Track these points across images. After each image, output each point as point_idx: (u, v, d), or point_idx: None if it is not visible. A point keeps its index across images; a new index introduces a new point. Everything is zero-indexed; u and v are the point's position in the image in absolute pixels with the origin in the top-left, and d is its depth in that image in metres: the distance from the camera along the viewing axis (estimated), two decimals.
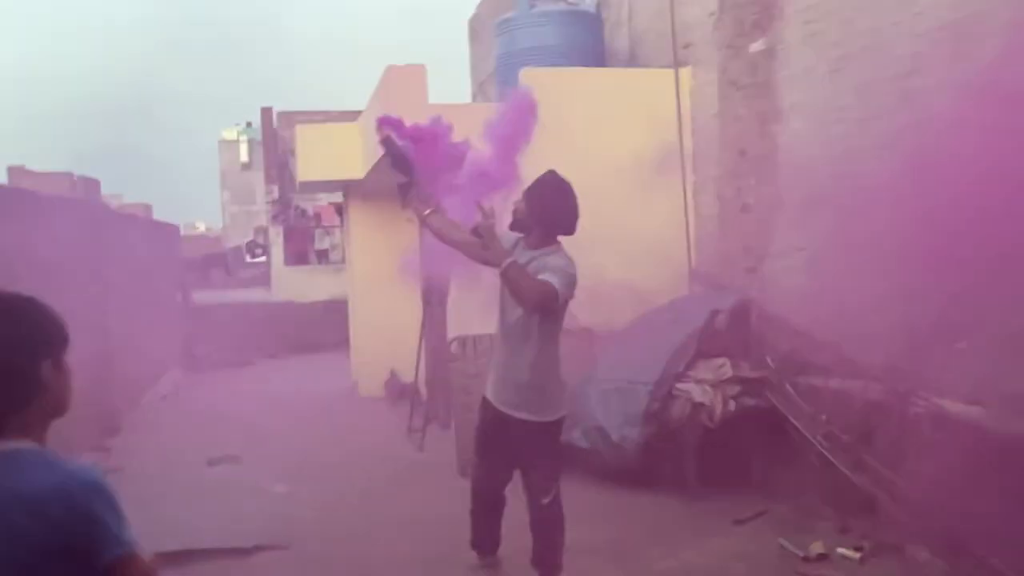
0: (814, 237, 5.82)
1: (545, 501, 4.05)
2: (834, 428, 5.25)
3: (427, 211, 4.17)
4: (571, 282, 3.83)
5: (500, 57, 8.28)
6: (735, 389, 5.98)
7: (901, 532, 4.63)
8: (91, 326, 8.55)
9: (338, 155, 9.88)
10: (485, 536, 4.39)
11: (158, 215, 40.68)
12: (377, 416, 9.48)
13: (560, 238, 4.01)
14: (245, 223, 45.19)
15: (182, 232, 50.78)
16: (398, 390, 10.13)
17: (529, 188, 3.97)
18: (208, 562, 5.07)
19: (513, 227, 4.02)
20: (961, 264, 4.55)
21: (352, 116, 10.94)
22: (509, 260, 3.70)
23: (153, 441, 8.68)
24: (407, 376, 9.42)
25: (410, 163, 4.23)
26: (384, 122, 4.31)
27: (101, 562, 1.63)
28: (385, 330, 10.27)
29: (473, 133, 7.35)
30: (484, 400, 4.18)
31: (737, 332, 6.55)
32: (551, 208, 3.92)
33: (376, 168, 8.98)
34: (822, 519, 5.25)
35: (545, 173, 3.98)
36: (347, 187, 11.24)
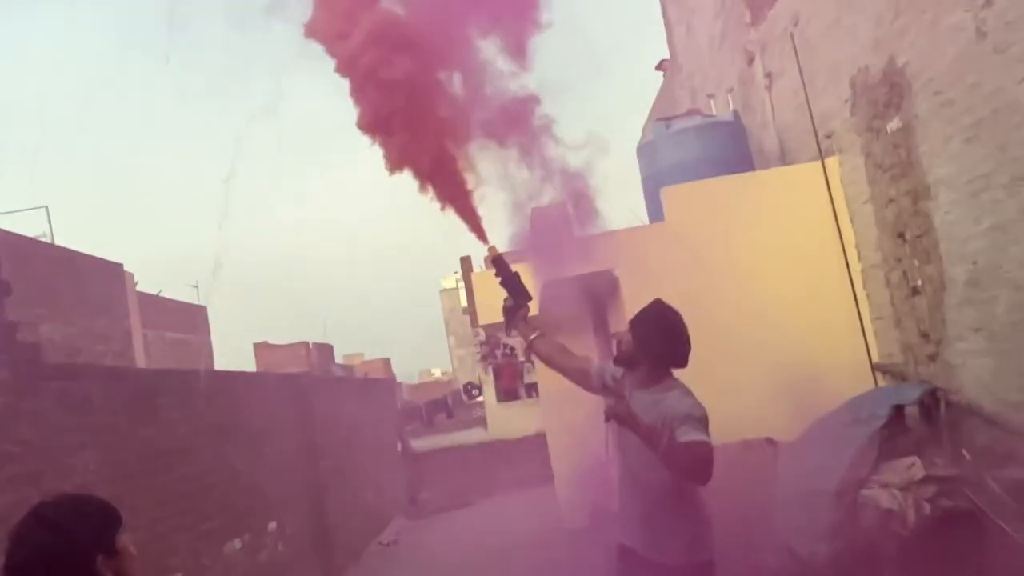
0: (988, 315, 5.36)
1: None
2: None
3: (534, 335, 4.10)
4: (707, 422, 3.37)
5: (644, 181, 8.44)
6: (930, 490, 5.46)
7: None
8: (304, 487, 9.28)
9: None
10: None
11: (396, 367, 43.53)
12: (581, 547, 9.39)
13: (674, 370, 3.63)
14: (472, 366, 47.30)
15: (417, 380, 53.54)
16: (602, 517, 10.02)
17: (635, 319, 3.70)
18: None
19: (618, 361, 3.79)
20: None
21: None
22: (666, 441, 3.23)
23: None
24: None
25: (520, 286, 4.19)
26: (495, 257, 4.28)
27: None
28: (581, 457, 10.29)
29: (623, 256, 7.52)
30: (621, 550, 3.64)
31: (927, 427, 6.05)
32: (661, 341, 3.57)
33: (548, 303, 9.30)
34: None
35: (652, 302, 3.71)
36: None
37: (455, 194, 4.27)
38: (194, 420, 6.70)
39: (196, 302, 24.82)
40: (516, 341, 23.19)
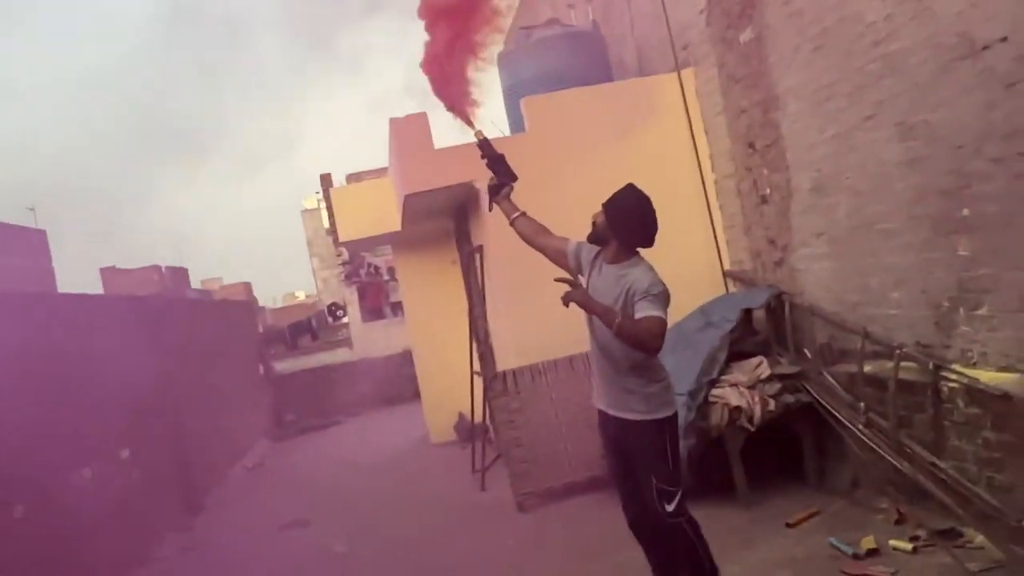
0: (830, 220, 5.62)
1: (670, 507, 3.81)
2: (873, 415, 5.00)
3: (516, 214, 4.29)
4: (667, 299, 3.75)
5: (505, 91, 8.31)
6: (775, 387, 5.78)
7: (953, 517, 4.37)
8: (160, 413, 8.92)
9: (373, 212, 10.08)
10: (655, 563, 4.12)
11: (259, 290, 42.25)
12: (446, 461, 9.53)
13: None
14: (336, 286, 46.55)
15: (281, 303, 52.23)
16: (467, 432, 10.17)
17: (608, 201, 3.93)
18: None
19: (591, 239, 4.01)
20: (964, 226, 4.33)
21: None
22: (618, 320, 3.61)
23: (233, 514, 8.95)
24: (477, 416, 9.47)
25: (506, 167, 4.32)
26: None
27: None
28: (448, 373, 10.36)
29: (482, 168, 7.44)
30: (600, 414, 4.09)
31: (773, 328, 6.37)
32: (630, 222, 3.86)
33: (410, 219, 9.14)
34: (877, 512, 5.01)
35: (624, 187, 3.95)
36: (393, 241, 11.45)
37: (459, 73, 4.51)
38: (30, 345, 6.26)
39: (34, 226, 23.14)
40: (379, 260, 22.96)
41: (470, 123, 4.50)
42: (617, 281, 3.81)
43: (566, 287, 3.73)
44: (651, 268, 3.85)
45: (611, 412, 3.98)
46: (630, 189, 3.93)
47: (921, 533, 4.50)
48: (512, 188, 4.35)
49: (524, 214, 4.31)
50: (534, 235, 4.27)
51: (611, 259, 3.92)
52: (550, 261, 4.27)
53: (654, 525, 3.95)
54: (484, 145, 4.34)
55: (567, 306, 3.72)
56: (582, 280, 3.99)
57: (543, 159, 7.19)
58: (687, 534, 3.91)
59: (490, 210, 4.49)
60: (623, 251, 3.89)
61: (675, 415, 3.97)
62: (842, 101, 5.19)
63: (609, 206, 3.91)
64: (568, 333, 7.28)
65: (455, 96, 4.49)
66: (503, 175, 4.32)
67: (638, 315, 3.64)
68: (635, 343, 3.64)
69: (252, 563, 6.73)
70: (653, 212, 3.89)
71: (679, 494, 3.86)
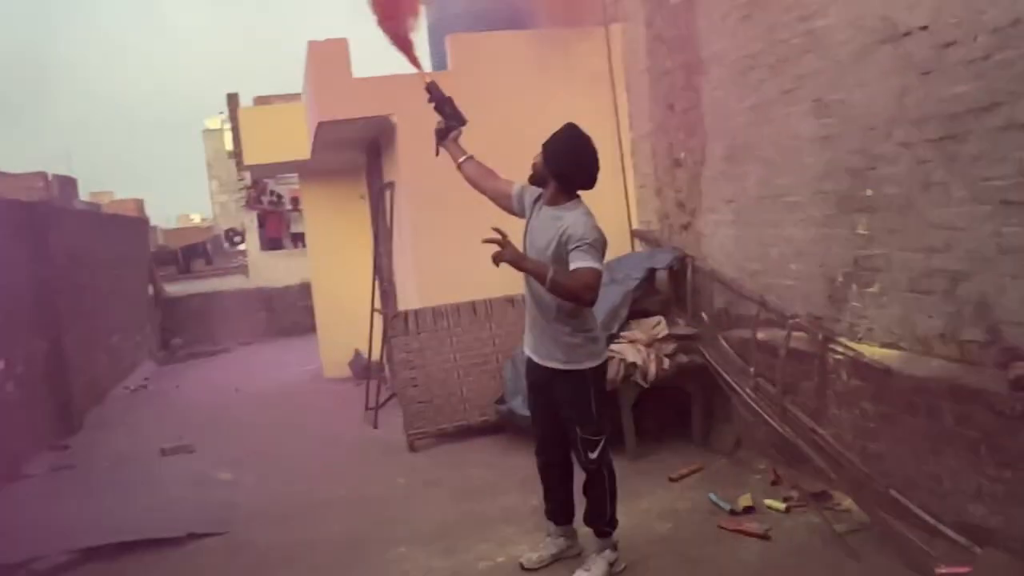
0: (739, 189, 5.74)
1: (593, 455, 3.93)
2: (761, 380, 5.19)
3: (463, 157, 4.24)
4: (603, 246, 3.76)
5: (430, 27, 8.11)
6: (670, 347, 5.93)
7: (826, 481, 4.60)
8: (39, 326, 8.50)
9: (282, 137, 9.76)
10: (555, 506, 4.27)
11: (152, 210, 40.52)
12: (339, 397, 9.44)
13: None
14: (235, 212, 45.11)
15: (176, 224, 50.36)
16: (362, 369, 10.09)
17: (546, 142, 3.86)
18: (143, 552, 5.04)
19: (531, 180, 3.96)
20: (866, 205, 4.49)
21: None
22: (551, 274, 3.60)
23: (113, 435, 8.66)
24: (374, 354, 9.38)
25: (455, 110, 4.24)
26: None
27: None
28: (347, 309, 10.23)
29: (401, 103, 7.28)
30: (528, 361, 4.10)
31: (675, 290, 6.51)
32: (568, 162, 3.82)
33: (321, 148, 8.88)
34: (756, 472, 5.24)
35: (563, 126, 3.88)
36: (301, 169, 11.13)
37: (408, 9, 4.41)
38: None
39: None
40: (283, 189, 22.31)
41: (417, 63, 4.41)
42: (552, 223, 3.79)
43: (494, 247, 3.65)
44: (588, 213, 3.84)
45: (538, 360, 3.99)
46: (569, 128, 3.88)
47: (795, 494, 4.72)
48: (460, 131, 4.29)
49: (471, 157, 4.27)
50: (480, 178, 4.23)
51: (549, 200, 3.89)
52: (496, 205, 4.24)
53: (563, 465, 4.11)
54: (432, 88, 4.27)
55: (497, 265, 3.66)
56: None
57: (463, 99, 7.00)
58: (604, 481, 4.03)
59: (436, 154, 4.39)
60: (561, 193, 3.86)
61: (602, 365, 4.02)
62: (763, 72, 5.27)
63: (547, 146, 3.87)
64: (473, 278, 7.26)
65: (401, 33, 4.37)
66: (451, 118, 4.27)
67: (572, 265, 3.62)
68: (569, 297, 3.67)
69: (130, 486, 6.53)
70: (594, 153, 3.87)
71: (602, 442, 3.95)
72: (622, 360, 5.78)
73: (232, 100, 21.69)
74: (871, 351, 4.45)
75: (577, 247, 3.65)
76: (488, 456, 6.27)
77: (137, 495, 6.24)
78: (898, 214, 4.27)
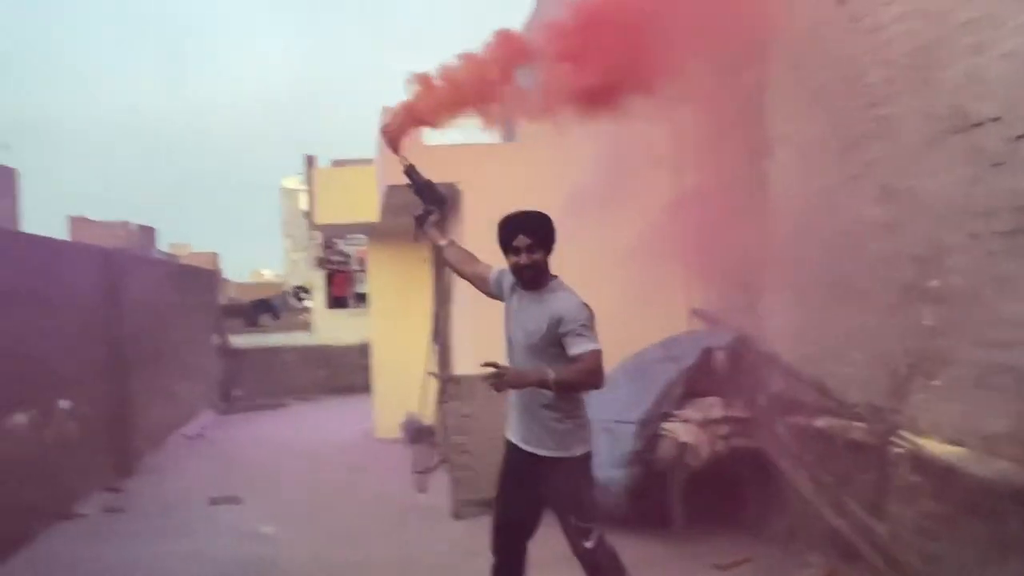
0: (802, 272, 5.65)
1: (588, 544, 3.71)
2: (817, 470, 5.02)
3: (444, 242, 4.26)
4: (593, 319, 3.65)
5: None
6: (725, 429, 5.80)
7: None
8: (106, 368, 8.74)
9: (354, 198, 10.02)
10: None
11: (227, 264, 41.90)
12: (389, 458, 9.44)
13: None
14: (305, 269, 46.20)
15: (248, 279, 51.88)
16: (414, 432, 10.09)
17: (533, 231, 3.78)
18: None
19: (530, 276, 3.82)
20: (932, 296, 4.37)
21: None
22: (554, 377, 3.49)
23: (166, 481, 8.78)
24: (427, 418, 9.40)
25: (434, 193, 4.28)
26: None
27: None
28: (403, 371, 10.29)
29: (468, 172, 7.44)
30: (507, 443, 3.95)
31: (733, 371, 6.38)
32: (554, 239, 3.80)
33: (390, 211, 9.08)
34: (809, 566, 5.03)
35: (526, 213, 3.84)
36: (369, 231, 11.38)
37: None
38: None
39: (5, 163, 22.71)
40: (351, 249, 22.80)
41: (397, 151, 4.44)
42: (540, 307, 3.72)
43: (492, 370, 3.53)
44: (572, 293, 3.76)
45: (526, 447, 3.83)
46: (535, 212, 3.84)
47: None
48: (440, 215, 4.30)
49: (452, 242, 4.30)
50: (460, 262, 4.24)
51: (529, 285, 3.81)
52: (474, 287, 4.21)
53: (582, 563, 3.79)
54: (411, 172, 4.30)
55: (499, 391, 3.59)
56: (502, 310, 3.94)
57: (529, 170, 7.19)
58: (611, 563, 3.80)
59: (415, 239, 4.45)
60: (540, 276, 3.79)
61: (589, 453, 3.85)
62: (830, 156, 5.23)
63: (536, 234, 3.76)
64: None
65: (396, 137, 4.46)
66: (430, 201, 4.27)
67: (571, 351, 3.55)
68: (579, 389, 3.64)
69: (176, 534, 6.59)
70: (554, 230, 3.83)
71: (598, 532, 3.75)
72: (675, 439, 5.67)
73: (309, 161, 22.45)
74: (934, 447, 4.27)
75: (571, 330, 3.57)
76: None
77: (181, 543, 6.28)
78: (965, 306, 4.14)
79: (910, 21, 4.41)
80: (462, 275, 4.28)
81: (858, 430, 4.80)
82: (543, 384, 3.53)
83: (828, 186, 5.28)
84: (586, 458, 3.81)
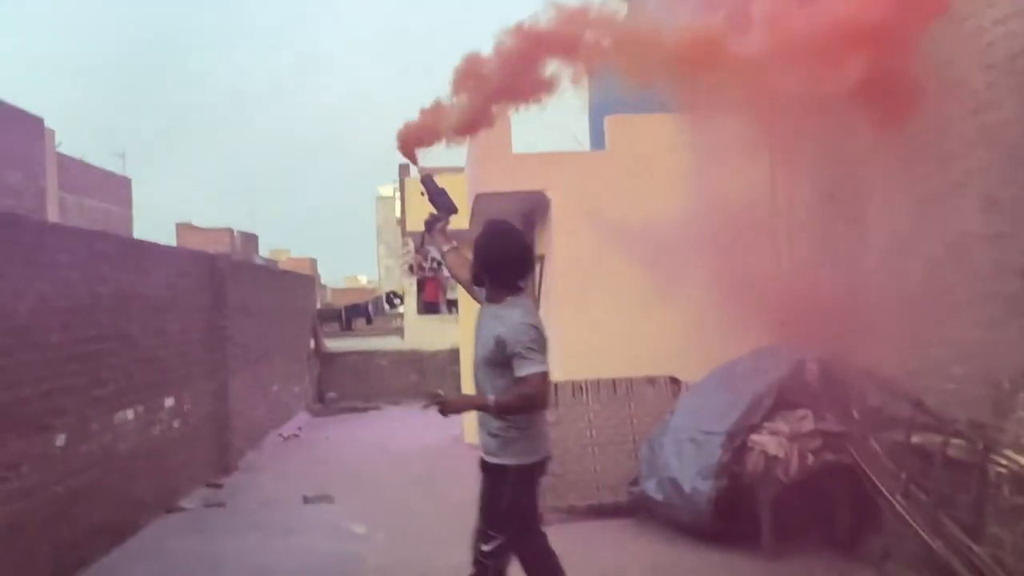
0: (901, 284, 5.48)
1: (484, 548, 3.80)
2: (914, 487, 4.86)
3: (447, 247, 4.37)
4: (541, 340, 3.70)
5: (591, 108, 8.32)
6: (816, 443, 5.66)
7: None
8: (208, 368, 9.13)
9: None
10: None
11: (323, 269, 43.11)
12: (476, 463, 9.52)
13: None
14: (398, 276, 47.05)
15: (343, 284, 53.10)
16: None
17: (475, 241, 3.92)
18: None
19: (474, 282, 4.01)
20: None
21: None
22: (493, 403, 3.66)
23: (263, 478, 9.11)
24: None
25: (446, 200, 4.42)
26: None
27: None
28: None
29: (556, 179, 7.47)
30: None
31: (826, 384, 6.22)
32: (496, 260, 3.85)
33: (478, 218, 9.20)
34: None
35: (487, 224, 3.97)
36: (459, 239, 11.52)
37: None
38: (95, 283, 6.48)
39: (121, 172, 23.92)
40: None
41: (414, 161, 4.64)
42: (491, 323, 3.80)
43: (436, 405, 3.71)
44: (529, 311, 3.83)
45: (486, 457, 3.93)
46: (493, 225, 3.96)
47: None
48: (448, 222, 4.42)
49: (456, 247, 4.37)
50: (458, 268, 4.32)
51: (489, 297, 3.91)
52: (468, 294, 4.31)
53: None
54: (427, 181, 4.44)
55: (445, 416, 3.82)
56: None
57: (620, 178, 7.20)
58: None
59: (422, 244, 4.62)
60: (497, 291, 3.86)
61: (531, 466, 3.86)
62: (931, 165, 5.06)
63: (476, 245, 3.89)
64: (615, 355, 7.25)
65: (411, 149, 4.62)
66: (443, 208, 4.39)
67: (517, 373, 3.62)
68: (522, 412, 3.70)
69: (272, 529, 6.84)
70: (520, 246, 3.93)
71: (498, 543, 3.78)
72: (763, 452, 5.58)
73: (402, 170, 22.88)
74: None
75: (515, 353, 3.62)
76: (617, 538, 6.15)
77: (276, 538, 6.52)
78: None
79: (1011, 23, 4.25)
80: (459, 281, 4.38)
81: (957, 447, 4.62)
82: (484, 408, 3.72)
83: (929, 195, 5.11)
84: (522, 470, 3.82)
